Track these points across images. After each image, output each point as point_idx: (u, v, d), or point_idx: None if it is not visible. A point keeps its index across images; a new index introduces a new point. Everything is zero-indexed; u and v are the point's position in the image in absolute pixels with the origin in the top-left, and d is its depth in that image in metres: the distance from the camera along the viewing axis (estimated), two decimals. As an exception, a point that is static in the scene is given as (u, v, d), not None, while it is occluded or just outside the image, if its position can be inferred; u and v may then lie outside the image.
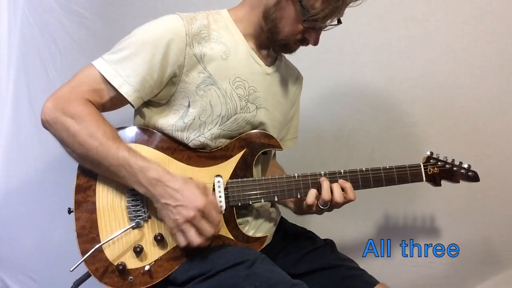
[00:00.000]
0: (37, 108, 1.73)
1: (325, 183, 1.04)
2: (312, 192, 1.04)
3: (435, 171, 1.18)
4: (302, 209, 1.10)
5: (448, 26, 1.59)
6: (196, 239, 0.90)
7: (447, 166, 1.19)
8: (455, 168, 1.20)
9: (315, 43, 1.04)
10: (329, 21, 1.01)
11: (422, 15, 1.60)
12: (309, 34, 1.03)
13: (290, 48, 1.08)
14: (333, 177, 1.07)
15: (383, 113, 1.67)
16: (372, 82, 1.66)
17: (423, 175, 1.17)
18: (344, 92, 1.69)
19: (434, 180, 1.18)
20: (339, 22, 1.05)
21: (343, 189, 1.06)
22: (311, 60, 1.62)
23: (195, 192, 0.91)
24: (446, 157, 1.20)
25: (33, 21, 1.71)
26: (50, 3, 1.71)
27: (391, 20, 1.60)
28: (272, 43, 1.06)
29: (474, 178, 1.21)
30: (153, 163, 0.92)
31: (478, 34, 1.57)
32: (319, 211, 1.07)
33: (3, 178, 1.77)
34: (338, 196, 1.04)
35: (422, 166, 1.17)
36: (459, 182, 1.21)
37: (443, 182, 1.20)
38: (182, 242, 0.92)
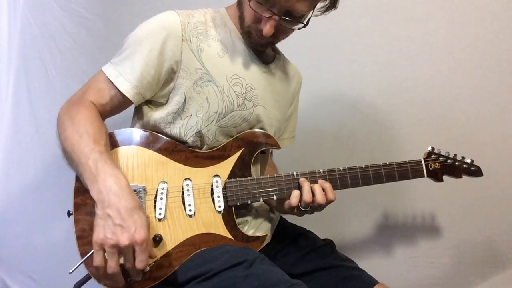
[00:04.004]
0: (37, 108, 1.74)
1: (305, 184, 1.03)
2: (296, 193, 1.03)
3: (436, 167, 1.17)
4: (284, 209, 1.08)
5: (448, 26, 1.59)
6: (113, 269, 0.82)
7: (449, 161, 1.18)
8: (457, 163, 1.18)
9: (266, 32, 0.97)
10: (274, 8, 0.94)
11: (422, 15, 1.60)
12: (263, 23, 0.97)
13: (255, 39, 1.03)
14: (332, 175, 1.07)
15: (383, 113, 1.67)
16: (372, 82, 1.66)
17: (424, 170, 1.16)
18: (344, 92, 1.68)
19: (436, 175, 1.17)
20: (304, 24, 0.99)
21: (323, 190, 1.04)
22: (311, 60, 1.62)
23: (144, 223, 0.83)
24: (448, 152, 1.19)
25: (33, 21, 1.71)
26: (50, 3, 1.71)
27: (391, 20, 1.60)
28: (243, 31, 1.04)
29: (477, 172, 1.19)
30: (121, 172, 0.87)
31: (478, 34, 1.57)
32: (300, 213, 1.06)
33: (3, 178, 1.76)
34: (320, 197, 1.02)
35: (423, 162, 1.16)
36: (461, 177, 1.19)
37: (445, 178, 1.18)
38: (96, 262, 0.82)
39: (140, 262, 0.82)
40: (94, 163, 0.86)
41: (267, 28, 0.97)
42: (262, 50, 1.09)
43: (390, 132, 1.68)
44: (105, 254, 0.82)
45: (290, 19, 0.97)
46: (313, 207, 1.04)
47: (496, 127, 1.60)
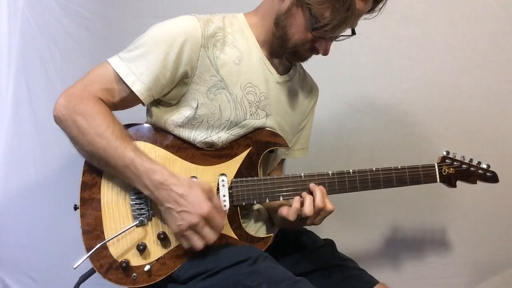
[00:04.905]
0: (37, 108, 1.74)
1: (308, 198, 1.00)
2: (294, 209, 1.00)
3: (450, 172, 1.12)
4: (280, 219, 1.05)
5: (448, 26, 1.59)
6: (199, 245, 0.91)
7: (463, 166, 1.13)
8: (472, 169, 1.14)
9: (325, 53, 1.01)
10: (338, 31, 0.97)
11: (422, 15, 1.60)
12: (319, 44, 1.00)
13: (301, 56, 1.06)
14: (341, 177, 1.05)
15: (383, 113, 1.67)
16: (372, 82, 1.66)
17: (437, 176, 1.12)
18: (344, 92, 1.69)
19: (449, 181, 1.13)
20: (353, 33, 1.02)
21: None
22: (310, 60, 1.61)
23: (200, 197, 0.89)
24: (463, 157, 1.15)
25: (33, 21, 1.71)
26: (50, 3, 1.71)
27: (391, 20, 1.60)
28: (283, 50, 1.04)
29: (493, 178, 1.15)
30: (158, 165, 0.92)
31: (478, 34, 1.58)
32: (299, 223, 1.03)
33: (3, 178, 1.76)
34: (330, 205, 1.00)
35: (436, 167, 1.12)
36: (476, 183, 1.15)
37: (458, 183, 1.14)
38: (185, 246, 0.93)
39: (216, 227, 0.91)
40: (132, 163, 0.90)
41: (328, 49, 1.01)
42: (301, 61, 1.11)
43: (390, 132, 1.68)
44: (186, 238, 0.91)
45: (349, 35, 1.02)
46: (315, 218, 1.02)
47: (496, 127, 1.61)
